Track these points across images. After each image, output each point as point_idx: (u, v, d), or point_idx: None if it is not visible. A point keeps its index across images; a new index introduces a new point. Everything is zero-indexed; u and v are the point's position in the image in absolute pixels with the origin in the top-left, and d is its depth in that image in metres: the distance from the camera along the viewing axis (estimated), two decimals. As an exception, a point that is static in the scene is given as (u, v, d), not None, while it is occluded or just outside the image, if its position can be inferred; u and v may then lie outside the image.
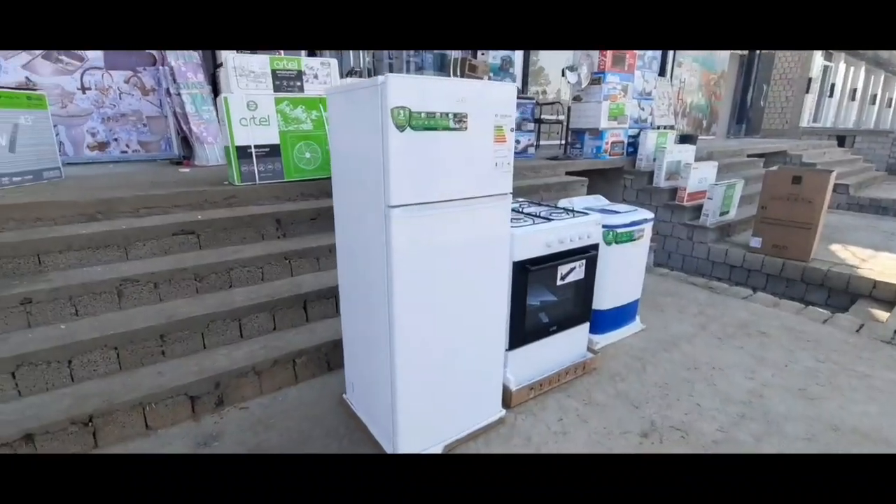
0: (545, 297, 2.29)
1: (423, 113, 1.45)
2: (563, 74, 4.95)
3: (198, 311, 2.29)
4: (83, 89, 4.11)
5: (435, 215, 1.58)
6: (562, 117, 5.71)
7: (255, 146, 3.04)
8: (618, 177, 5.70)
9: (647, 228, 2.73)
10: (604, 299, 2.69)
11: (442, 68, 6.24)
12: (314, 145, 3.25)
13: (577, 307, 2.40)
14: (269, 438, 1.96)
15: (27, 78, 3.85)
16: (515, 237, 1.98)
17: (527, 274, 2.05)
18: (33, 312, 2.09)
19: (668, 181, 5.30)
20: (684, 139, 6.59)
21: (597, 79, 5.05)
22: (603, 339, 2.74)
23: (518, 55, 7.09)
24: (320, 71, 3.18)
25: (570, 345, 2.41)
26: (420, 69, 6.37)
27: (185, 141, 4.34)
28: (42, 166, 3.20)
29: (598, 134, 5.26)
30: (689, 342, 2.81)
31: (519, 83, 6.94)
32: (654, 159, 5.40)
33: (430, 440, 1.83)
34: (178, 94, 4.15)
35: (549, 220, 2.20)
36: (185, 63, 4.16)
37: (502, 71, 6.39)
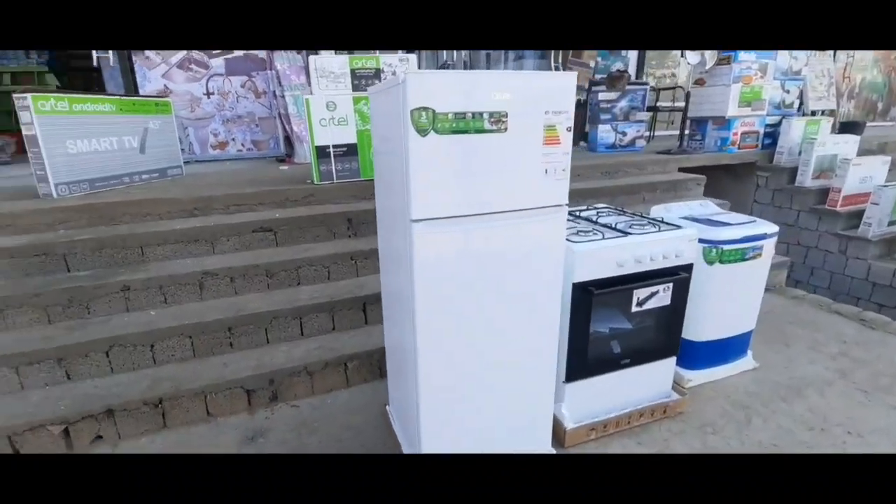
0: (617, 325, 1.94)
1: (451, 114, 1.25)
2: (683, 55, 4.26)
3: (264, 307, 2.40)
4: (208, 94, 4.63)
5: (468, 230, 1.38)
6: (680, 104, 4.96)
7: (334, 146, 3.10)
8: (749, 174, 4.79)
9: (768, 245, 2.18)
10: (701, 329, 2.22)
11: (544, 56, 5.85)
12: (390, 144, 3.22)
13: (661, 338, 2.00)
14: (309, 443, 1.96)
15: (165, 86, 4.45)
16: (576, 255, 1.69)
17: (591, 298, 1.74)
18: (131, 298, 2.36)
19: (817, 180, 4.30)
20: (846, 127, 5.32)
21: (725, 58, 4.26)
22: (698, 377, 2.28)
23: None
24: (398, 68, 3.11)
25: (648, 381, 2.02)
26: (520, 58, 6.06)
27: (288, 139, 4.67)
28: (167, 165, 3.66)
29: (723, 123, 4.46)
30: (819, 392, 2.20)
31: (633, 67, 6.22)
32: (800, 153, 4.41)
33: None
34: (283, 96, 4.45)
35: (627, 233, 1.84)
36: (289, 66, 4.45)
37: (612, 55, 5.76)
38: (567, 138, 1.42)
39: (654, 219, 2.08)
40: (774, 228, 2.19)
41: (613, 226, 1.94)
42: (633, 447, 1.89)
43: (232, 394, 2.14)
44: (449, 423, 1.58)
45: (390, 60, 3.10)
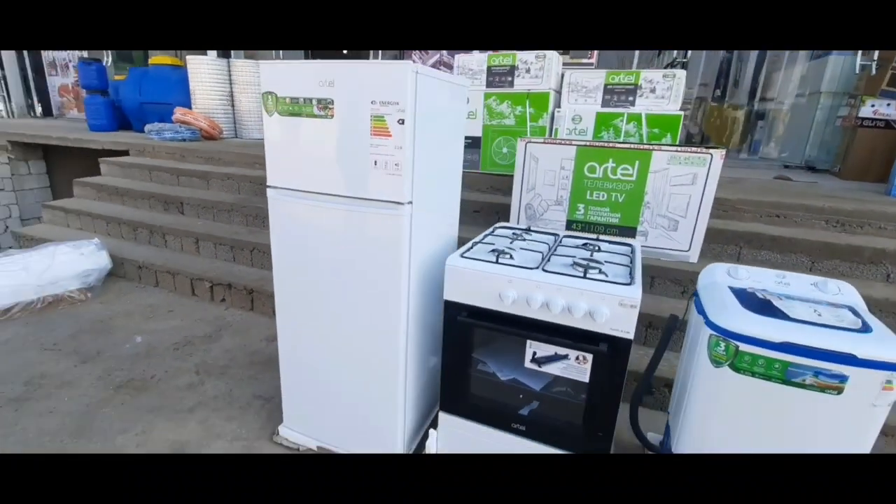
0: (522, 379, 1.54)
1: (288, 98, 1.41)
2: None
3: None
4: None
5: (308, 206, 1.51)
6: None
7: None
8: None
9: (864, 378, 1.16)
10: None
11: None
12: (513, 141, 3.18)
13: (578, 427, 1.46)
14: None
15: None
16: (446, 267, 1.48)
17: (463, 325, 1.49)
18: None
19: None
20: None
21: None
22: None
23: None
24: (534, 65, 3.00)
25: (557, 472, 1.52)
26: (823, 55, 4.35)
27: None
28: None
29: None
30: None
31: None
32: None
33: (308, 431, 1.81)
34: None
35: (537, 268, 1.43)
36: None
37: None
38: (400, 132, 1.31)
39: (620, 261, 1.47)
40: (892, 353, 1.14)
41: (547, 257, 1.52)
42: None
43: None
44: (299, 387, 1.76)
45: (526, 57, 3.01)
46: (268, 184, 1.56)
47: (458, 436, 1.64)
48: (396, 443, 1.67)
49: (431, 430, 1.69)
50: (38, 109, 8.26)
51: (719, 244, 2.63)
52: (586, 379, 1.38)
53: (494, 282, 1.41)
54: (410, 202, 1.39)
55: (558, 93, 3.14)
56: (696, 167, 2.38)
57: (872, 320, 1.28)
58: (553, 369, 1.42)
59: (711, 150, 2.34)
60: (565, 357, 1.40)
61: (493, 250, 1.55)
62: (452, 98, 1.59)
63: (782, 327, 1.24)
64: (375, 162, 1.36)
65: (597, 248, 1.70)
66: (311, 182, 1.48)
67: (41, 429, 1.85)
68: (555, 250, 1.62)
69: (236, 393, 2.13)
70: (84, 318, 2.78)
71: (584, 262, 1.43)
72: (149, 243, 3.64)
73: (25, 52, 7.85)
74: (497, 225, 2.01)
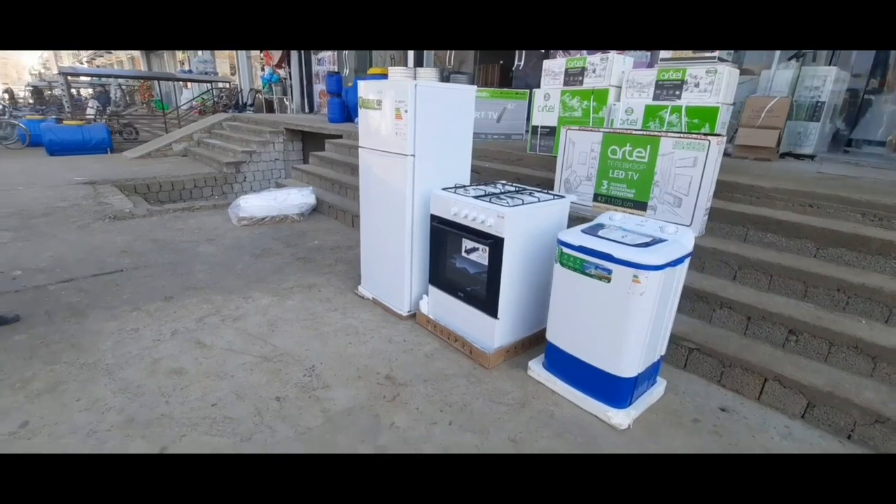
0: (464, 266, 2.57)
1: (368, 99, 2.75)
2: None
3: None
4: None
5: (373, 153, 2.84)
6: None
7: (541, 126, 4.21)
8: None
9: (622, 272, 1.84)
10: (555, 332, 2.25)
11: None
12: (577, 130, 3.90)
13: (485, 295, 2.41)
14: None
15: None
16: (431, 195, 2.61)
17: (436, 226, 2.61)
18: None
19: None
20: None
21: None
22: (542, 375, 2.31)
23: None
24: (598, 66, 3.67)
25: (476, 325, 2.50)
26: None
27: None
28: (511, 132, 5.80)
29: None
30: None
31: None
32: None
33: (370, 290, 3.18)
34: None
35: (476, 198, 2.43)
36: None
37: None
38: (406, 117, 2.50)
39: (539, 194, 2.31)
40: (651, 260, 1.79)
41: (498, 193, 2.48)
42: (448, 351, 2.61)
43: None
44: (369, 259, 3.13)
45: (593, 60, 3.68)
46: (360, 145, 2.94)
47: (436, 300, 2.76)
48: (404, 301, 2.88)
49: (424, 295, 2.85)
50: (307, 107, 11.96)
51: (729, 224, 2.94)
52: (486, 262, 2.34)
53: (449, 203, 2.49)
54: (413, 155, 2.57)
55: (619, 88, 3.73)
56: (697, 151, 2.83)
57: (659, 248, 1.90)
58: (474, 257, 2.42)
59: (710, 137, 2.78)
60: (477, 249, 2.38)
61: (457, 188, 2.61)
62: (451, 99, 2.67)
63: (584, 239, 2.01)
64: (396, 133, 2.59)
65: (529, 193, 2.56)
66: (373, 143, 2.80)
67: (263, 268, 3.70)
68: (497, 193, 2.56)
69: (345, 270, 3.67)
70: (296, 229, 4.79)
71: (498, 196, 2.39)
72: (337, 193, 5.62)
73: (303, 65, 11.46)
74: (498, 182, 2.98)
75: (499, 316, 2.37)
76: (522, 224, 2.29)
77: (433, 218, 2.62)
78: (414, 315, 2.89)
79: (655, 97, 3.53)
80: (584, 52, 4.13)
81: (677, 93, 3.41)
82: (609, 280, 1.91)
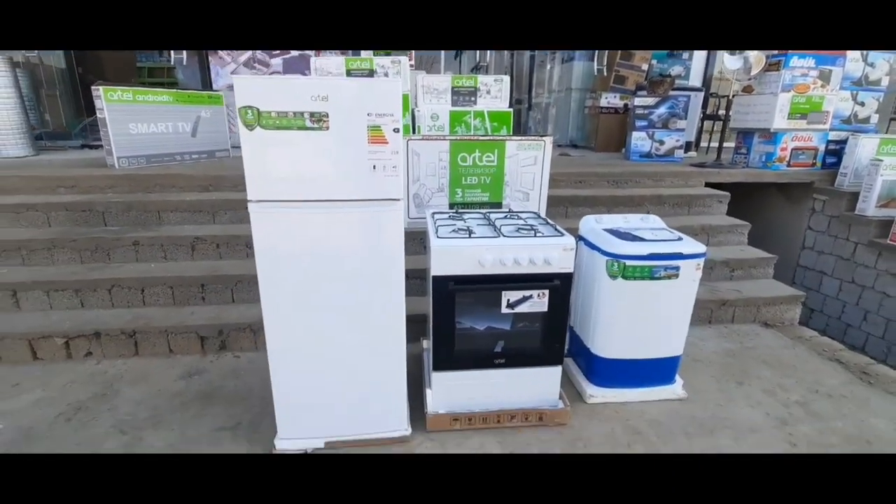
0: (495, 324, 1.99)
1: (273, 112, 1.48)
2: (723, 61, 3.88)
3: (233, 271, 2.82)
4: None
5: (298, 214, 1.59)
6: (722, 112, 4.51)
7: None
8: (805, 196, 4.19)
9: (687, 266, 2.03)
10: (607, 345, 2.16)
11: (592, 58, 5.65)
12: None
13: (544, 344, 2.00)
14: (225, 386, 2.32)
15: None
16: (433, 249, 1.80)
17: (450, 292, 1.84)
18: (140, 252, 2.94)
19: (883, 209, 3.64)
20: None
21: (775, 63, 3.78)
22: (603, 395, 2.20)
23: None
24: (390, 69, 3.36)
25: (528, 386, 2.04)
26: (570, 60, 5.92)
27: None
28: (215, 148, 4.34)
29: (770, 136, 3.97)
30: (735, 437, 2.00)
31: (699, 72, 5.70)
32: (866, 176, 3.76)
33: (311, 433, 1.88)
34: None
35: (501, 235, 1.89)
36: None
37: (670, 57, 5.35)
38: (395, 139, 1.55)
39: (553, 225, 2.07)
40: (698, 249, 2.03)
41: (498, 227, 1.99)
42: (490, 443, 1.94)
43: (189, 337, 2.59)
44: (299, 390, 1.80)
45: (383, 62, 3.35)
46: (249, 198, 1.56)
47: (449, 388, 1.99)
48: (401, 417, 1.91)
49: (427, 390, 1.99)
50: None
51: (552, 206, 3.53)
52: (546, 308, 1.92)
53: (474, 251, 1.81)
54: (399, 199, 1.65)
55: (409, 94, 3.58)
56: (536, 151, 3.15)
57: (677, 234, 2.17)
58: (522, 308, 1.91)
59: (544, 138, 3.14)
60: (531, 297, 1.90)
61: (456, 229, 1.93)
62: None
63: (645, 247, 2.00)
64: (374, 166, 1.57)
65: (517, 216, 2.25)
66: (300, 192, 1.57)
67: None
68: (495, 223, 2.09)
69: (190, 434, 1.95)
70: None
71: (528, 226, 1.96)
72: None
73: None
74: (432, 212, 2.35)
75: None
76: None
77: (443, 280, 1.82)
78: (419, 426, 1.97)
79: (454, 103, 3.61)
80: (370, 52, 3.60)
81: (473, 98, 3.64)
82: (677, 276, 2.04)
